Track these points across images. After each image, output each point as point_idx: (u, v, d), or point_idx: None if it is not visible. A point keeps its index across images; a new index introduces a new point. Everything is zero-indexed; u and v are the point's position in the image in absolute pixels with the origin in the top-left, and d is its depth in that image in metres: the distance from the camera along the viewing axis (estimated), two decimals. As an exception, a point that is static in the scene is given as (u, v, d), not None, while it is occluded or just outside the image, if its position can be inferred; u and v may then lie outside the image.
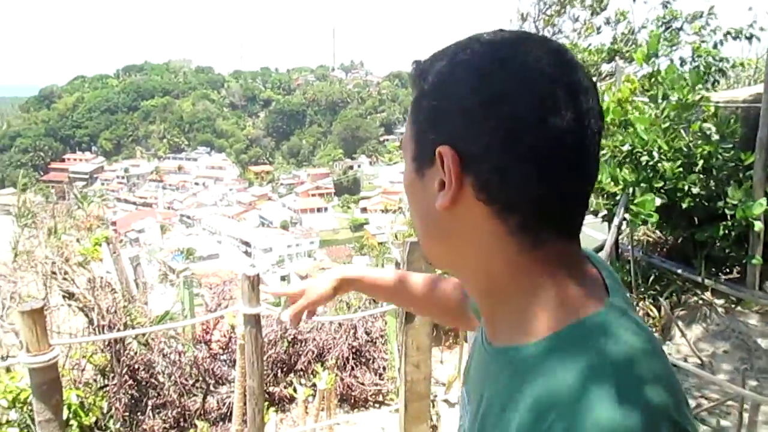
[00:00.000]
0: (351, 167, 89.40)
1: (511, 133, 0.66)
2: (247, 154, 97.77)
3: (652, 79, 4.14)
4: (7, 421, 3.75)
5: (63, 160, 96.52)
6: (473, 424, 0.77)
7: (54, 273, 4.66)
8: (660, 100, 3.91)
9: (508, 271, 0.72)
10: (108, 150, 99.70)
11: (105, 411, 4.32)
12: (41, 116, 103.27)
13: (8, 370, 4.40)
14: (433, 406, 3.21)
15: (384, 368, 5.58)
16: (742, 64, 8.01)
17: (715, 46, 7.85)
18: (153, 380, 4.74)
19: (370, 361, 5.59)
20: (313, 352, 5.29)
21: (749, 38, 7.83)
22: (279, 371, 5.30)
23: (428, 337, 2.73)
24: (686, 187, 3.92)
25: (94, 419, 4.19)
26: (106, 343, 4.35)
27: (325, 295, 1.36)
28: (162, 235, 65.45)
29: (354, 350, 5.46)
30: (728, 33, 7.78)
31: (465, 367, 0.95)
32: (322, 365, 4.92)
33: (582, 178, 0.70)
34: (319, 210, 76.55)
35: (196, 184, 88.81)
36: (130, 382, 4.52)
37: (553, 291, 0.71)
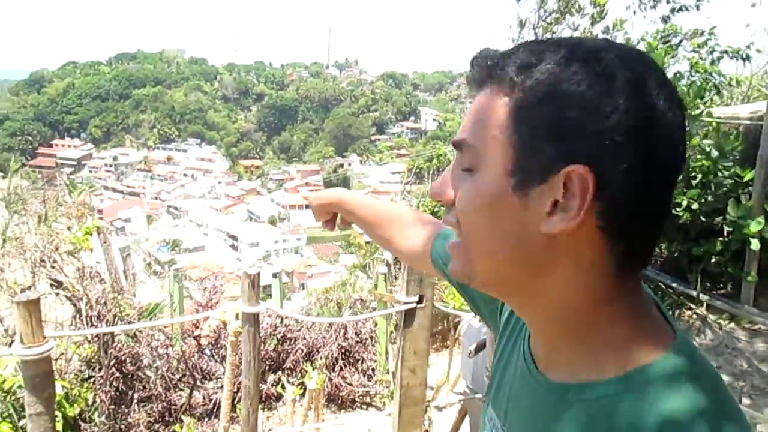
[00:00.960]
0: (341, 165, 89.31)
1: (650, 159, 0.62)
2: (237, 148, 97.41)
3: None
4: (-10, 410, 3.68)
5: (51, 146, 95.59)
6: None
7: (43, 261, 4.59)
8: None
9: (597, 303, 0.68)
10: (97, 137, 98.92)
11: (90, 403, 4.26)
12: (31, 100, 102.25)
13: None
14: (426, 411, 3.18)
15: (373, 370, 5.56)
16: (738, 81, 8.05)
17: (712, 63, 7.88)
18: (139, 373, 4.68)
19: (359, 362, 5.57)
20: (302, 351, 5.26)
21: (745, 59, 7.88)
22: (267, 369, 5.26)
23: (426, 342, 2.71)
24: (684, 202, 3.92)
25: (78, 411, 4.13)
26: (95, 334, 4.29)
27: (317, 210, 1.47)
28: (149, 225, 65.08)
29: (343, 350, 5.43)
30: (725, 52, 7.82)
31: (491, 386, 0.92)
32: (311, 364, 4.88)
33: (670, 204, 0.69)
34: (307, 207, 74.40)
35: (185, 175, 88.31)
36: (117, 374, 4.45)
37: (637, 321, 0.68)
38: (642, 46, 9.15)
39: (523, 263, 0.68)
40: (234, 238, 65.54)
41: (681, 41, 8.88)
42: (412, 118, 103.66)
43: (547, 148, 0.64)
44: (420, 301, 2.59)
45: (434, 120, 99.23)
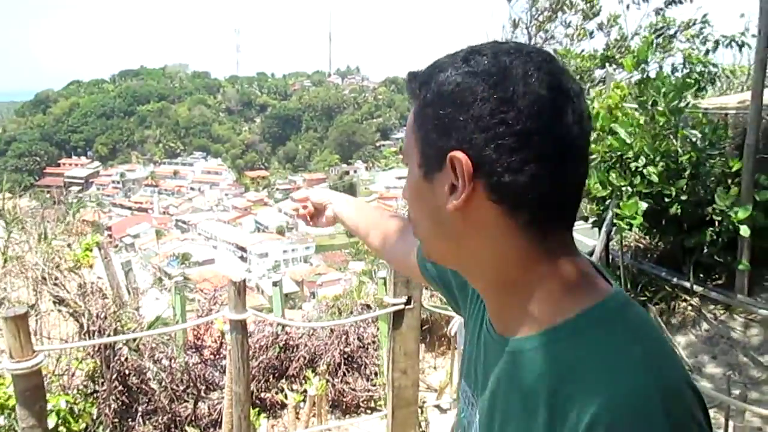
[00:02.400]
0: (347, 172, 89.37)
1: (520, 137, 0.72)
2: (243, 159, 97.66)
3: (642, 86, 4.16)
4: (-4, 427, 3.73)
5: (58, 165, 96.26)
6: (489, 418, 0.82)
7: (44, 278, 4.64)
8: (649, 107, 3.93)
9: (519, 264, 0.77)
10: (104, 155, 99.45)
11: (95, 417, 4.30)
12: (37, 121, 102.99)
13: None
14: (422, 413, 3.21)
15: (376, 374, 5.58)
16: (732, 72, 8.04)
17: (707, 54, 7.87)
18: (144, 386, 4.72)
19: (362, 367, 5.58)
20: (304, 358, 5.28)
21: (741, 46, 7.86)
22: (270, 377, 5.29)
23: (416, 343, 2.74)
24: (674, 193, 3.93)
25: (83, 425, 4.17)
26: (96, 348, 4.34)
27: (313, 198, 1.55)
28: (157, 240, 65.27)
29: (346, 356, 5.45)
30: (718, 41, 7.80)
31: (462, 363, 1.01)
32: (313, 371, 4.91)
33: (582, 173, 0.77)
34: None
35: (192, 189, 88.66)
36: (120, 388, 4.50)
37: (565, 277, 0.77)
38: (636, 41, 9.16)
39: (449, 238, 0.80)
40: (243, 249, 65.66)
41: (675, 33, 8.89)
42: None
43: (437, 141, 0.77)
44: (408, 303, 2.62)
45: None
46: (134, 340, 4.66)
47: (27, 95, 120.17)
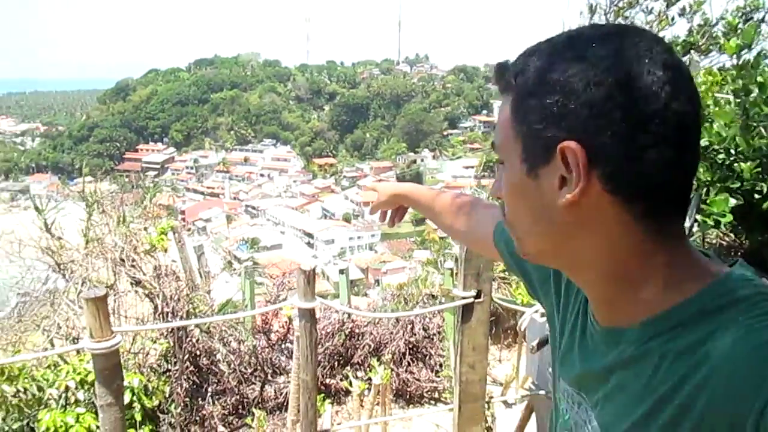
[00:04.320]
0: (414, 161, 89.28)
1: (638, 121, 0.67)
2: (311, 147, 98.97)
3: (741, 72, 3.90)
4: (75, 401, 3.90)
5: (137, 150, 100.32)
6: (612, 415, 0.78)
7: (122, 260, 4.81)
8: (743, 96, 3.69)
9: (634, 256, 0.74)
10: (179, 141, 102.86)
11: (167, 395, 4.45)
12: (117, 108, 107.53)
13: (78, 351, 4.62)
14: (488, 407, 3.15)
15: (440, 365, 5.55)
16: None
17: (802, 39, 7.37)
18: (213, 367, 4.85)
19: (427, 357, 5.56)
20: (369, 346, 5.30)
21: None
22: (336, 363, 5.33)
23: (485, 337, 2.68)
24: (765, 190, 3.69)
25: (156, 403, 4.32)
26: (170, 329, 4.48)
27: (383, 201, 1.62)
28: (228, 224, 67.17)
29: (411, 346, 5.44)
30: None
31: (554, 361, 1.00)
32: (378, 360, 4.92)
33: (697, 158, 0.73)
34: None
35: (262, 175, 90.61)
36: (192, 368, 4.64)
37: (681, 264, 0.74)
38: (721, 26, 8.69)
39: (555, 234, 0.77)
40: (310, 235, 66.76)
41: (764, 16, 8.37)
42: (485, 111, 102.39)
43: (543, 132, 0.72)
44: (478, 296, 2.57)
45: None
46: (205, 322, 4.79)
47: (108, 83, 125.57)
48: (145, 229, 5.14)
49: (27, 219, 5.50)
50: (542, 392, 3.10)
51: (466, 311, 2.56)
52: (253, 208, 78.43)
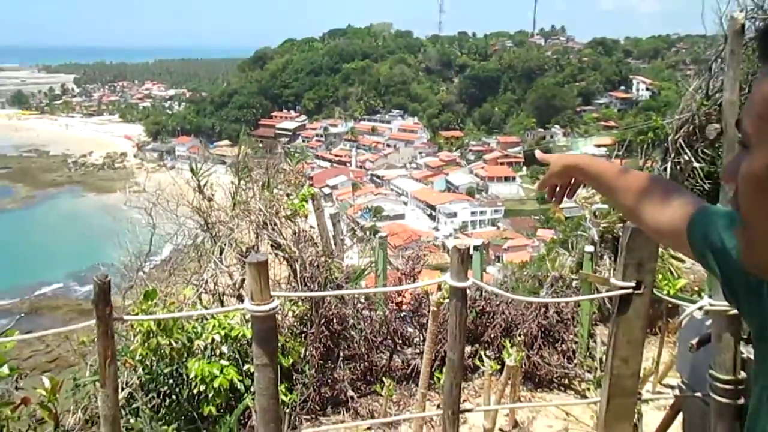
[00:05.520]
0: (543, 138, 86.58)
1: None
2: (438, 119, 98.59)
3: None
4: (220, 354, 4.13)
5: (271, 117, 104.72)
6: None
7: (265, 224, 5.01)
8: None
9: None
10: (310, 109, 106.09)
11: (302, 356, 4.61)
12: (255, 76, 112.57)
13: (222, 303, 4.89)
14: (636, 405, 2.98)
15: (573, 352, 5.35)
16: None
17: None
18: (345, 333, 4.96)
19: (559, 342, 5.39)
20: (500, 326, 5.21)
21: None
22: (465, 340, 5.30)
23: (642, 331, 2.51)
24: None
25: (291, 362, 4.49)
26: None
27: (554, 173, 1.47)
28: (353, 192, 68.87)
29: (543, 329, 5.29)
30: None
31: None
32: (509, 341, 4.82)
33: None
34: (506, 179, 75.48)
35: (388, 145, 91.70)
36: (325, 332, 4.77)
37: None
38: None
39: None
40: (432, 207, 67.02)
41: None
42: (622, 87, 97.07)
43: None
44: (638, 287, 2.40)
45: (647, 89, 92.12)
46: (339, 289, 4.89)
47: (248, 53, 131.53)
48: (288, 195, 5.32)
49: (178, 178, 5.88)
50: (697, 394, 2.89)
51: (623, 302, 2.40)
52: (378, 177, 79.76)
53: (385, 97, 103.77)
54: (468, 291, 5.18)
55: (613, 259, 6.07)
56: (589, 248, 5.37)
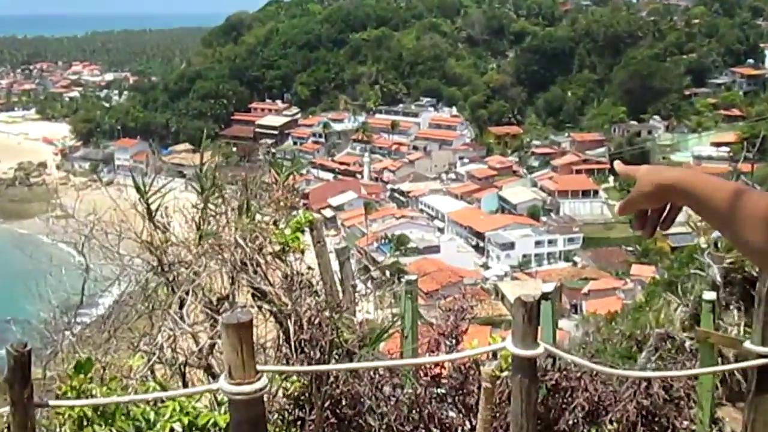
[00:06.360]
0: (638, 133, 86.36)
1: None
2: (486, 110, 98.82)
3: None
4: (182, 451, 4.13)
5: (249, 110, 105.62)
6: None
7: (244, 264, 5.02)
8: None
9: None
10: (304, 98, 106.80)
11: (298, 453, 4.59)
12: (226, 53, 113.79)
13: (183, 378, 4.90)
14: None
15: (690, 444, 5.30)
16: None
17: None
18: (359, 420, 4.94)
19: (668, 431, 5.34)
20: (582, 409, 5.16)
21: None
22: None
23: (791, 419, 2.49)
24: None
25: (284, 462, 4.48)
26: (305, 363, 4.62)
27: (644, 194, 1.44)
28: (366, 215, 68.92)
29: (644, 412, 5.24)
30: None
31: None
32: (596, 429, 4.78)
33: None
34: (585, 194, 75.30)
35: (416, 148, 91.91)
36: (331, 419, 4.75)
37: None
38: None
39: None
40: (479, 236, 66.88)
41: None
42: (750, 60, 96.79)
43: None
44: (784, 355, 2.38)
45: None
46: (350, 358, 4.88)
47: (216, 20, 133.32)
48: (275, 223, 5.34)
49: (119, 199, 5.92)
50: None
51: (763, 376, 2.38)
52: (402, 193, 79.95)
53: (409, 80, 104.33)
54: (537, 360, 5.18)
55: (744, 310, 6.01)
56: (709, 294, 5.31)
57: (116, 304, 5.95)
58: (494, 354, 4.10)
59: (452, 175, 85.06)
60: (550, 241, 66.12)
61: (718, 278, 6.27)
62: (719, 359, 5.16)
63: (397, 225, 67.68)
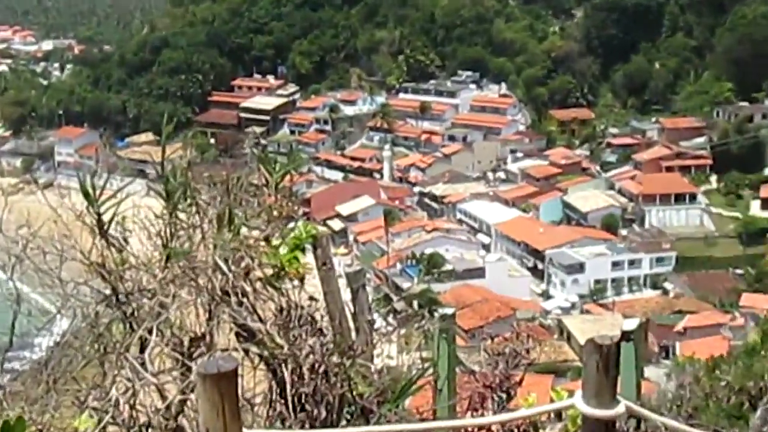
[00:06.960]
0: (750, 118, 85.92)
1: None
2: (546, 87, 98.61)
3: None
4: None
5: (231, 89, 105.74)
6: None
7: (226, 294, 5.02)
8: None
9: None
10: (304, 73, 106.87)
11: None
12: (201, 13, 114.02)
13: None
14: None
15: None
16: None
17: None
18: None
19: None
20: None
21: None
22: None
23: None
24: None
25: None
26: (306, 425, 4.63)
27: None
28: (386, 226, 68.82)
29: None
30: None
31: None
32: None
33: None
34: (679, 198, 74.86)
35: (452, 138, 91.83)
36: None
37: None
38: None
39: None
40: (537, 255, 66.76)
41: None
42: None
43: None
44: None
45: None
46: (366, 418, 4.88)
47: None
48: (266, 239, 5.35)
49: (60, 207, 5.93)
50: None
51: None
52: (434, 198, 79.93)
53: (444, 48, 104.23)
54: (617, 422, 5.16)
55: None
56: None
57: (57, 346, 5.97)
58: (558, 414, 4.09)
59: (501, 175, 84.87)
60: (631, 262, 65.90)
61: None
62: None
63: (428, 241, 67.73)
